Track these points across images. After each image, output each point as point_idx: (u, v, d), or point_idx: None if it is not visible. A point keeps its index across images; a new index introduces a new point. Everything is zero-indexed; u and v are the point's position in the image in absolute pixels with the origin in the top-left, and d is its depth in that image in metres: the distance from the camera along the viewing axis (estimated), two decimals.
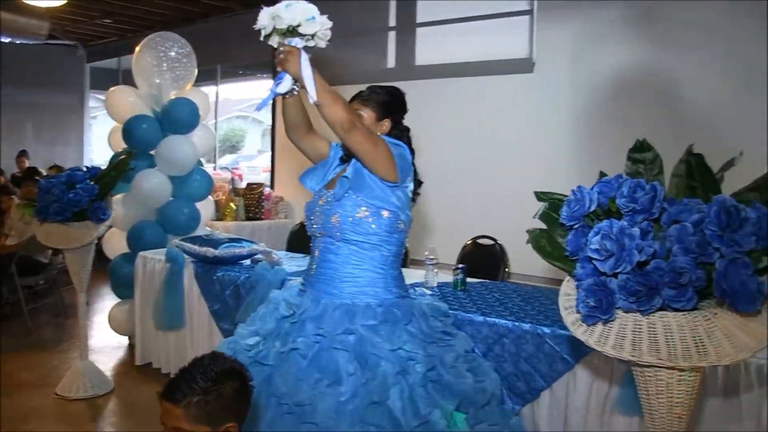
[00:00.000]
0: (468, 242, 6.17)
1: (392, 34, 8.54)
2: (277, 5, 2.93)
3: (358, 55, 8.57)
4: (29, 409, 5.00)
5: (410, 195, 3.33)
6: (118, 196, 6.03)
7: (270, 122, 10.68)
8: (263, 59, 9.49)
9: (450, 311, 3.71)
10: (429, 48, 8.11)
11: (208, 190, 6.96)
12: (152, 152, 6.50)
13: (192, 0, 10.10)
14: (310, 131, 3.45)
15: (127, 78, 12.65)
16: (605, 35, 6.45)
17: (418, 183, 3.46)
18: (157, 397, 2.16)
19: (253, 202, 9.29)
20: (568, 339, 3.47)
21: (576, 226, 2.17)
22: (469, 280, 4.66)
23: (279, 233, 8.71)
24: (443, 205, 7.09)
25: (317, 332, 3.10)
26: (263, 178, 11.36)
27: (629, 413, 3.31)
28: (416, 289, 4.07)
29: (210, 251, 5.18)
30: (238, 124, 21.39)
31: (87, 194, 4.81)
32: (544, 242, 2.35)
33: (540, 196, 2.42)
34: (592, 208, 2.13)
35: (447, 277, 4.78)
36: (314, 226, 3.34)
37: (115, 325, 6.61)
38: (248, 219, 9.22)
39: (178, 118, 6.49)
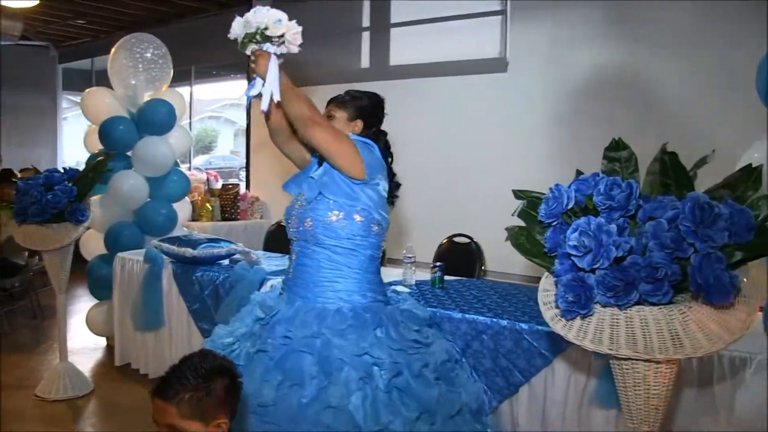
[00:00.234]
0: (444, 241, 6.21)
1: (366, 35, 8.55)
2: (247, 13, 3.05)
3: (332, 56, 8.56)
4: (8, 411, 4.97)
5: (384, 194, 3.34)
6: (95, 198, 6.02)
7: (243, 123, 10.67)
8: (237, 60, 9.49)
9: (429, 308, 3.75)
10: (403, 48, 8.11)
11: (185, 190, 6.97)
12: (129, 153, 6.50)
13: (166, 1, 10.06)
14: (293, 136, 3.50)
15: (100, 79, 12.60)
16: (578, 35, 6.50)
17: (396, 185, 3.51)
18: (149, 396, 2.18)
19: (228, 203, 9.29)
20: (546, 334, 3.52)
21: (554, 224, 2.22)
22: (446, 277, 4.70)
23: (256, 233, 8.71)
24: (418, 204, 7.09)
25: (285, 334, 3.12)
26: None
27: (606, 406, 3.36)
28: (397, 288, 4.11)
29: (189, 251, 5.19)
30: (210, 124, 21.35)
31: (65, 196, 4.81)
32: (523, 239, 2.40)
33: (518, 194, 2.46)
34: (570, 205, 2.18)
35: (424, 275, 4.82)
36: (291, 230, 3.39)
37: (93, 326, 6.59)
38: (224, 219, 9.21)
39: (155, 119, 6.49)
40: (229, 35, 3.12)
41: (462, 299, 4.21)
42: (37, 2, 9.25)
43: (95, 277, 6.59)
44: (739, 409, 3.03)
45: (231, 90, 14.96)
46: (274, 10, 3.05)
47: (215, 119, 21.68)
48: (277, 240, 6.54)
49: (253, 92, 3.18)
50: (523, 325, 3.63)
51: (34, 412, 5.06)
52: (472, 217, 6.78)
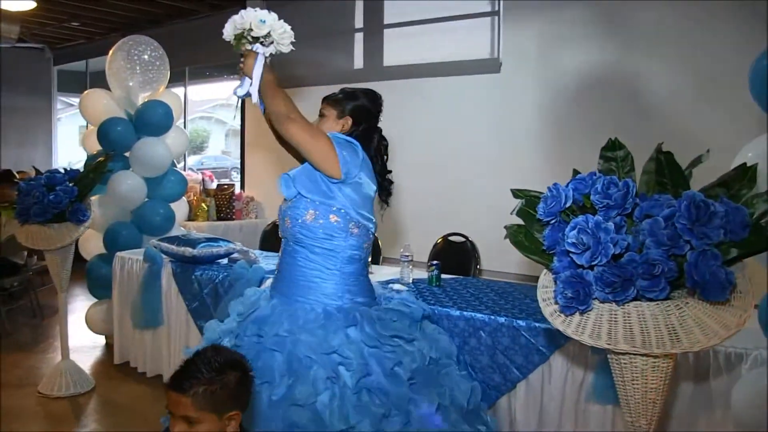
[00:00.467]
0: (439, 240, 6.25)
1: (359, 36, 8.55)
2: (234, 15, 3.14)
3: (326, 57, 8.60)
4: (11, 409, 5.02)
5: (370, 194, 3.34)
6: (94, 198, 6.05)
7: (234, 123, 10.68)
8: (229, 61, 9.51)
9: (428, 306, 3.79)
10: (397, 49, 8.12)
11: (183, 190, 7.00)
12: (127, 154, 6.54)
13: (159, 3, 10.08)
14: None
15: (94, 81, 12.63)
16: (571, 35, 6.53)
17: (389, 182, 3.51)
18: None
19: (224, 203, 9.33)
20: (544, 331, 3.57)
21: (552, 222, 2.26)
22: (443, 276, 4.74)
23: (251, 233, 8.75)
24: (413, 203, 7.13)
25: (258, 333, 3.16)
26: None
27: (603, 401, 3.41)
28: (394, 287, 4.14)
29: (188, 251, 5.24)
30: (201, 124, 21.30)
31: (67, 196, 4.86)
32: (521, 237, 2.44)
33: (516, 193, 2.50)
34: (568, 204, 2.22)
35: (420, 273, 4.88)
36: (279, 229, 3.43)
37: (92, 324, 6.64)
38: (219, 219, 9.25)
39: (152, 120, 6.53)
40: (223, 37, 3.20)
41: (459, 297, 4.25)
42: (35, 5, 9.26)
43: (94, 277, 6.62)
44: (735, 405, 3.07)
45: (222, 90, 14.91)
46: (261, 12, 3.12)
47: (206, 120, 21.62)
48: (273, 239, 6.57)
49: (240, 92, 3.24)
50: (521, 322, 3.67)
51: (37, 409, 5.10)
52: (467, 216, 6.81)
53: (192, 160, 16.77)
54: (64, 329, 5.46)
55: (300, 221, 3.23)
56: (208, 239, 5.47)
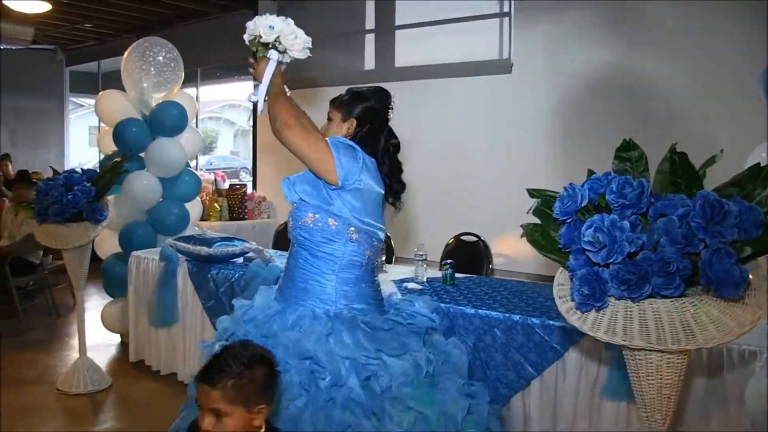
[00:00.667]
0: (451, 239, 6.29)
1: (371, 37, 8.59)
2: (249, 22, 3.20)
3: (337, 58, 8.64)
4: (30, 406, 5.09)
5: (374, 197, 3.26)
6: (110, 198, 6.10)
7: (242, 123, 10.72)
8: (239, 62, 9.53)
9: (442, 305, 3.83)
10: (408, 50, 8.16)
11: (197, 190, 7.06)
12: (142, 154, 6.59)
13: (170, 4, 10.12)
14: None
15: (106, 82, 12.69)
16: (581, 36, 6.56)
17: (400, 186, 3.44)
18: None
19: (236, 203, 9.38)
20: (558, 329, 3.61)
21: (568, 221, 2.29)
22: (456, 275, 4.76)
23: (264, 233, 8.83)
24: (425, 203, 7.15)
25: (245, 333, 3.18)
26: None
27: (617, 398, 3.45)
28: (408, 286, 4.17)
29: (204, 250, 5.29)
30: (210, 125, 21.39)
31: (85, 196, 4.93)
32: (537, 236, 2.47)
33: (532, 192, 2.54)
34: (584, 203, 2.26)
35: (434, 272, 4.91)
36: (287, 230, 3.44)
37: (108, 323, 6.70)
38: (232, 219, 9.31)
39: (167, 121, 6.59)
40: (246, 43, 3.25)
41: (473, 295, 4.28)
42: (50, 7, 9.32)
43: (110, 275, 6.69)
44: (749, 401, 3.10)
45: (230, 91, 14.96)
46: (271, 18, 3.14)
47: (215, 120, 21.72)
48: (286, 239, 6.58)
49: (254, 98, 3.27)
50: (535, 320, 3.71)
51: (56, 406, 5.16)
52: (479, 215, 6.86)
53: (201, 160, 16.86)
54: (81, 327, 5.53)
55: (300, 223, 3.22)
56: (224, 238, 5.52)
